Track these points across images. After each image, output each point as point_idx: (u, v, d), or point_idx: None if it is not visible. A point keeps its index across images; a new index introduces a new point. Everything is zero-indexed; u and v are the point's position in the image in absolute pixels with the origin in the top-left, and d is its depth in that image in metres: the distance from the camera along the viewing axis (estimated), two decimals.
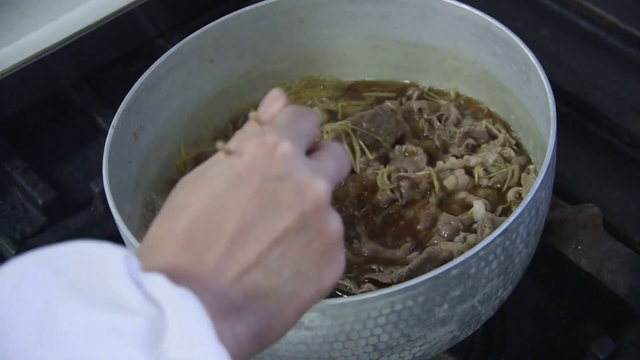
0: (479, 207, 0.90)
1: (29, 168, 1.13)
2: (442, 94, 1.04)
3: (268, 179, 0.59)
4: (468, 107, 1.02)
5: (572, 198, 1.03)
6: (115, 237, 0.86)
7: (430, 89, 1.04)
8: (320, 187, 0.60)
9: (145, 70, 0.95)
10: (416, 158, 0.96)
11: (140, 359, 0.50)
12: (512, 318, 0.98)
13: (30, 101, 1.19)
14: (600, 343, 0.89)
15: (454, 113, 1.00)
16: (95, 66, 1.22)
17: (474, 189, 0.94)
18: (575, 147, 1.10)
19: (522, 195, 0.91)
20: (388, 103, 1.01)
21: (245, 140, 0.61)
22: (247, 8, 1.01)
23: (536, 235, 0.84)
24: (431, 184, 0.94)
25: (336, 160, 0.65)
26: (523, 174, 0.93)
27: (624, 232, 1.00)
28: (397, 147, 0.98)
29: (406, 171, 0.95)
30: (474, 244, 0.83)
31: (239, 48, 1.02)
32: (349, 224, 0.91)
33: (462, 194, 0.93)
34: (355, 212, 0.92)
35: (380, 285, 0.85)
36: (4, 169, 1.14)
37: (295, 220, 0.59)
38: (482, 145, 0.97)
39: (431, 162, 0.97)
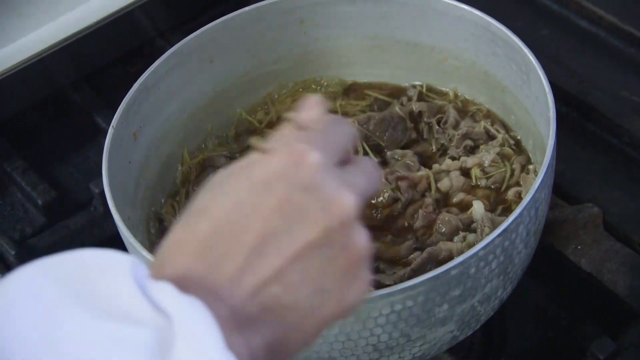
0: (478, 207, 0.90)
1: (29, 168, 1.13)
2: (441, 94, 1.04)
3: (294, 189, 0.57)
4: (467, 107, 1.02)
5: (572, 198, 1.03)
6: (115, 237, 0.86)
7: (429, 89, 1.04)
8: (348, 202, 0.57)
9: (145, 70, 0.95)
10: (407, 161, 0.96)
11: None
12: (512, 318, 0.98)
13: (30, 101, 1.19)
14: (600, 343, 0.89)
15: (452, 115, 1.00)
16: (95, 66, 1.22)
17: (472, 190, 0.94)
18: (575, 147, 1.10)
19: (522, 195, 0.91)
20: (397, 109, 1.00)
21: (276, 145, 0.59)
22: (247, 8, 1.01)
23: (536, 235, 0.84)
24: (430, 184, 0.94)
25: (368, 175, 0.62)
26: (523, 174, 0.93)
27: (624, 232, 1.00)
28: (388, 153, 0.98)
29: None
30: (474, 244, 0.83)
31: (239, 48, 1.02)
32: None
33: (460, 195, 0.93)
34: None
35: (382, 286, 0.85)
36: (4, 169, 1.14)
37: (319, 234, 0.56)
38: (481, 147, 0.97)
39: (426, 165, 0.97)
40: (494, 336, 0.97)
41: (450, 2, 0.97)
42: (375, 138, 0.99)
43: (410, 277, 0.84)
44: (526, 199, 0.79)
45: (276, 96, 1.06)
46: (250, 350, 0.54)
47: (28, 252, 1.03)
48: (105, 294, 0.52)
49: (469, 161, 0.95)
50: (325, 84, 1.07)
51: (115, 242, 0.88)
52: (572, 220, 0.99)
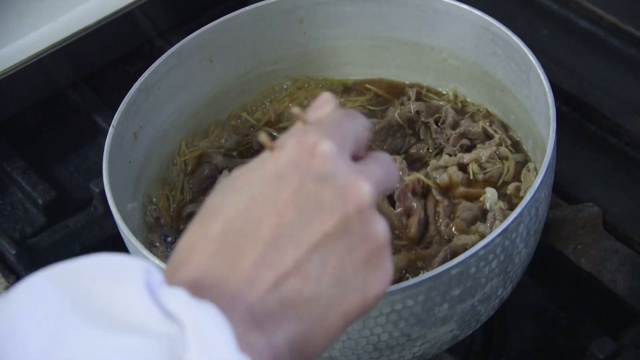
0: (491, 195, 0.90)
1: (29, 168, 1.13)
2: (441, 94, 1.04)
3: (307, 179, 0.55)
4: (466, 107, 1.02)
5: (571, 198, 1.03)
6: (115, 237, 0.86)
7: (429, 89, 1.04)
8: (363, 189, 0.56)
9: (145, 70, 0.95)
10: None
11: None
12: (512, 318, 0.98)
13: (30, 101, 1.19)
14: (600, 343, 0.89)
15: (451, 115, 1.00)
16: (95, 66, 1.22)
17: (471, 183, 0.94)
18: (575, 147, 1.10)
19: (521, 190, 0.91)
20: (396, 116, 1.00)
21: (286, 138, 0.58)
22: (247, 8, 1.01)
23: (536, 234, 0.84)
24: (423, 183, 0.93)
25: (383, 167, 0.61)
26: (523, 171, 0.93)
27: (624, 232, 1.00)
28: None
29: None
30: (484, 234, 0.83)
31: (239, 48, 1.02)
32: None
33: (462, 189, 0.93)
34: None
35: None
36: (4, 169, 1.14)
37: (336, 223, 0.55)
38: (478, 146, 0.97)
39: (421, 166, 0.97)
40: (494, 336, 0.97)
41: (450, 2, 0.97)
42: (375, 147, 0.99)
43: None
44: (526, 199, 0.79)
45: (275, 96, 1.06)
46: (272, 347, 0.53)
47: (28, 252, 1.03)
48: (115, 303, 0.51)
49: (466, 157, 0.95)
50: (325, 83, 1.07)
51: (115, 242, 0.88)
52: (572, 220, 0.99)
